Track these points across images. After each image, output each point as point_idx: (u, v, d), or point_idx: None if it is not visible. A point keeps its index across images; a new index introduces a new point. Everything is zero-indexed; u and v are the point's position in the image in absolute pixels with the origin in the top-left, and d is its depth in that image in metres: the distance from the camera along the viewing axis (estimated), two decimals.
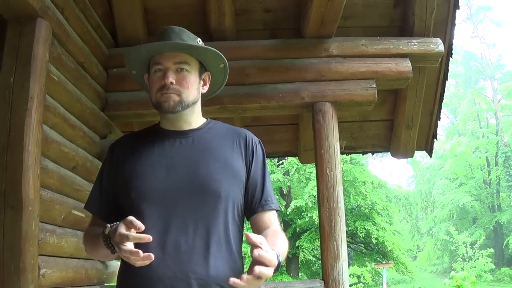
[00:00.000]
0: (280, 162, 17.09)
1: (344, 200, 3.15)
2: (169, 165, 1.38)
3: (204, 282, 1.28)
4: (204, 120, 1.53)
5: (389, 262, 17.76)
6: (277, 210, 1.49)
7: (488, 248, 21.91)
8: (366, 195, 17.25)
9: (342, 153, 3.52)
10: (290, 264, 17.68)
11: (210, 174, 1.37)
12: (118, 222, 1.23)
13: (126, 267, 1.34)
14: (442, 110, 4.08)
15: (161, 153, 1.41)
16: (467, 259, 21.48)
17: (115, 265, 3.21)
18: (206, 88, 1.53)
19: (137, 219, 1.26)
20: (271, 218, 1.46)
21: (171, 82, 1.39)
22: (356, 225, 17.26)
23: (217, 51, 1.47)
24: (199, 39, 1.49)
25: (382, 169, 55.23)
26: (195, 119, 1.49)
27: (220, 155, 1.43)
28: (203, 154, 1.41)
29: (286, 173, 17.86)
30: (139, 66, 1.52)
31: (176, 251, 1.29)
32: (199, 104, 1.50)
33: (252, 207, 1.46)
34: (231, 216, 1.39)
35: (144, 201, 1.34)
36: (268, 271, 1.11)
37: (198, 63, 1.47)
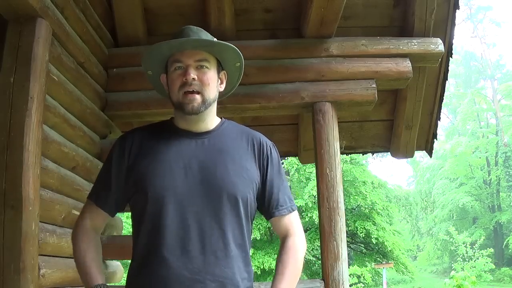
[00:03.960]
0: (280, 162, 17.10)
1: (344, 200, 3.14)
2: (186, 165, 1.38)
3: (221, 284, 1.30)
4: (219, 120, 1.53)
5: (389, 262, 17.75)
6: (294, 211, 1.52)
7: (488, 248, 21.88)
8: (366, 195, 17.24)
9: (342, 153, 3.52)
10: None
11: (226, 177, 1.38)
12: (105, 284, 1.32)
13: (140, 266, 1.35)
14: (442, 110, 4.08)
15: (178, 153, 1.41)
16: (467, 259, 21.47)
17: (116, 265, 3.21)
18: (222, 87, 1.54)
19: (153, 218, 1.32)
20: (286, 222, 1.50)
21: (193, 78, 1.39)
22: (356, 225, 17.24)
23: (237, 49, 1.48)
24: (215, 38, 1.49)
25: (382, 169, 55.29)
26: (212, 118, 1.49)
27: (235, 157, 1.43)
28: (219, 156, 1.42)
29: (286, 173, 17.87)
30: (156, 66, 1.51)
31: (193, 252, 1.30)
32: (216, 102, 1.51)
33: (269, 210, 1.49)
34: (245, 218, 1.40)
35: (161, 201, 1.34)
36: None
37: (216, 61, 1.48)
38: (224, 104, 3.06)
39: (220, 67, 1.50)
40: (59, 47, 2.39)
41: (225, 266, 1.31)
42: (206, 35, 1.46)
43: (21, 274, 1.85)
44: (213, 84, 1.44)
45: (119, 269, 3.23)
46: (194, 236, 1.31)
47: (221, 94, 1.55)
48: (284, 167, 17.40)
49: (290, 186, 18.18)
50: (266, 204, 1.48)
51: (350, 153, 4.94)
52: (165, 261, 1.29)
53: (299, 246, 1.46)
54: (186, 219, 1.32)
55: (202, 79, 1.41)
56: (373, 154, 6.21)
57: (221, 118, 1.55)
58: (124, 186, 1.43)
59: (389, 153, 4.33)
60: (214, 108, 1.50)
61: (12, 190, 1.92)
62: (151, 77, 1.56)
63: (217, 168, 1.39)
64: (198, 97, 1.40)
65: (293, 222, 1.50)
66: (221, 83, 1.52)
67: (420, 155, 28.85)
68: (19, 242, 1.88)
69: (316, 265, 17.98)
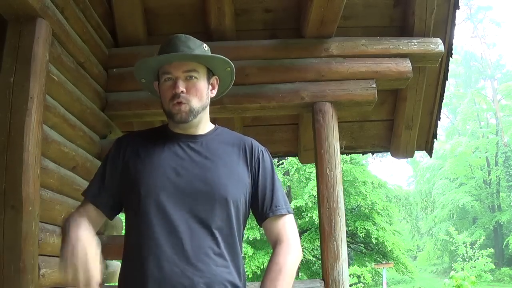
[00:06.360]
0: (280, 162, 17.09)
1: (344, 200, 3.14)
2: (179, 167, 1.41)
3: (209, 281, 1.31)
4: (212, 126, 1.57)
5: (389, 262, 17.74)
6: (289, 213, 1.50)
7: (488, 248, 21.88)
8: (366, 195, 17.23)
9: (342, 153, 3.52)
10: None
11: (217, 179, 1.40)
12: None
13: (131, 266, 1.36)
14: (442, 110, 4.08)
15: (171, 154, 1.44)
16: (467, 259, 21.47)
17: (115, 265, 3.21)
18: (214, 92, 1.56)
19: (145, 218, 1.34)
20: (279, 226, 1.47)
21: (182, 91, 1.42)
22: (356, 225, 17.23)
23: (224, 58, 1.51)
24: (204, 44, 1.51)
25: (382, 169, 55.27)
26: (204, 124, 1.53)
27: (226, 161, 1.46)
28: (211, 159, 1.44)
29: (286, 173, 17.85)
30: (148, 75, 1.55)
31: (183, 251, 1.32)
32: (208, 109, 1.53)
33: (262, 213, 1.48)
34: (235, 220, 1.41)
35: (153, 199, 1.36)
36: None
37: (206, 68, 1.50)
38: (224, 104, 3.06)
39: (210, 73, 1.52)
40: (59, 47, 2.39)
41: (214, 268, 1.33)
42: (194, 43, 1.48)
43: (21, 274, 1.85)
44: (202, 93, 1.46)
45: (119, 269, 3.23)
46: (185, 238, 1.33)
47: (214, 97, 1.58)
48: (284, 167, 17.42)
49: (290, 186, 18.24)
50: (260, 207, 1.48)
51: (350, 153, 4.95)
52: (156, 261, 1.30)
53: (291, 259, 1.40)
54: (177, 220, 1.34)
55: (190, 91, 1.44)
56: (373, 154, 6.21)
57: (214, 124, 1.58)
58: (118, 185, 1.45)
59: (389, 153, 4.34)
60: (206, 114, 1.53)
61: (12, 190, 1.92)
62: (145, 84, 1.61)
63: (209, 171, 1.41)
64: (185, 106, 1.43)
65: (287, 226, 1.47)
66: (213, 88, 1.55)
67: (420, 155, 28.85)
68: (19, 242, 1.88)
69: (316, 265, 17.97)
